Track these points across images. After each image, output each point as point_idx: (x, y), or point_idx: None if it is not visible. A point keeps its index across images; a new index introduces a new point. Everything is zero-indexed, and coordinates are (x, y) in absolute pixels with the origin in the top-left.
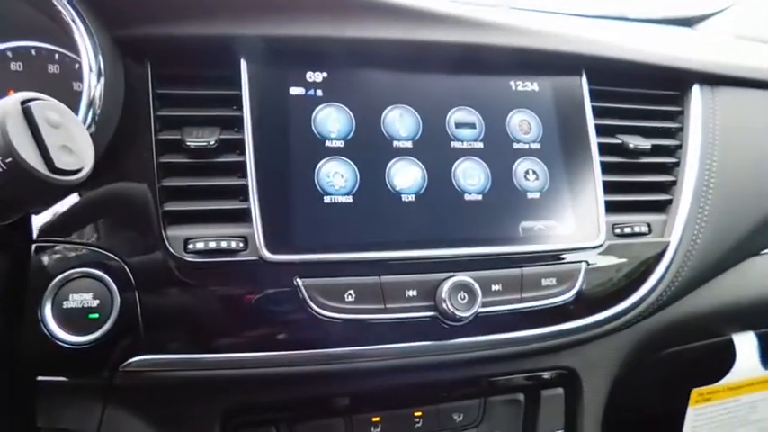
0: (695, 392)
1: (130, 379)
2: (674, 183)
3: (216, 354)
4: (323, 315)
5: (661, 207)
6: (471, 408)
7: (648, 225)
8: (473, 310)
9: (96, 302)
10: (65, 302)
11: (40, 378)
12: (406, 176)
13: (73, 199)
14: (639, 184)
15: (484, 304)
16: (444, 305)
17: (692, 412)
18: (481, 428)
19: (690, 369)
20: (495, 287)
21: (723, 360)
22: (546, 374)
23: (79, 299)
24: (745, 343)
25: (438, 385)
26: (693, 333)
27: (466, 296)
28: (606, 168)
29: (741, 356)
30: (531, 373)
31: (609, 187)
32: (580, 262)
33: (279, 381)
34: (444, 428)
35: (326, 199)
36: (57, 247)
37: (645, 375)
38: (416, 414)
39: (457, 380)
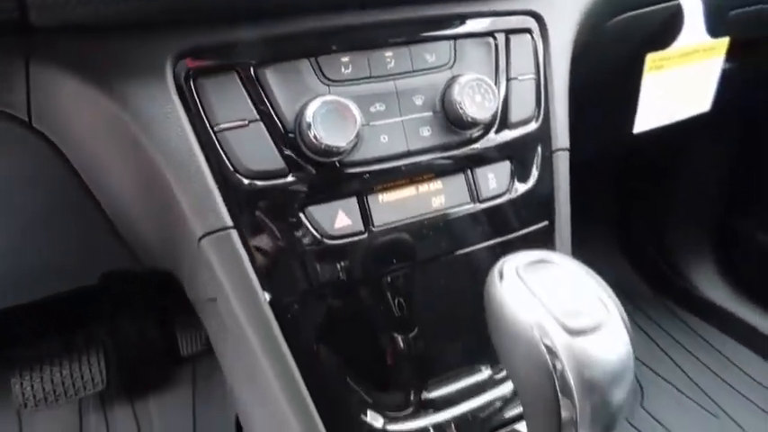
0: (649, 58)
1: (50, 16)
2: None
3: None
4: None
5: None
6: (443, 49)
7: None
8: None
9: None
10: None
11: None
12: None
13: None
14: None
15: None
16: None
17: (647, 78)
18: (455, 69)
19: (643, 35)
20: None
21: (672, 26)
22: (514, 19)
23: None
24: (693, 9)
25: (408, 24)
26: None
27: None
28: None
29: (689, 22)
30: (500, 17)
31: None
32: None
33: (240, 15)
34: (417, 69)
35: None
36: None
37: (604, 37)
38: (387, 54)
39: (427, 18)
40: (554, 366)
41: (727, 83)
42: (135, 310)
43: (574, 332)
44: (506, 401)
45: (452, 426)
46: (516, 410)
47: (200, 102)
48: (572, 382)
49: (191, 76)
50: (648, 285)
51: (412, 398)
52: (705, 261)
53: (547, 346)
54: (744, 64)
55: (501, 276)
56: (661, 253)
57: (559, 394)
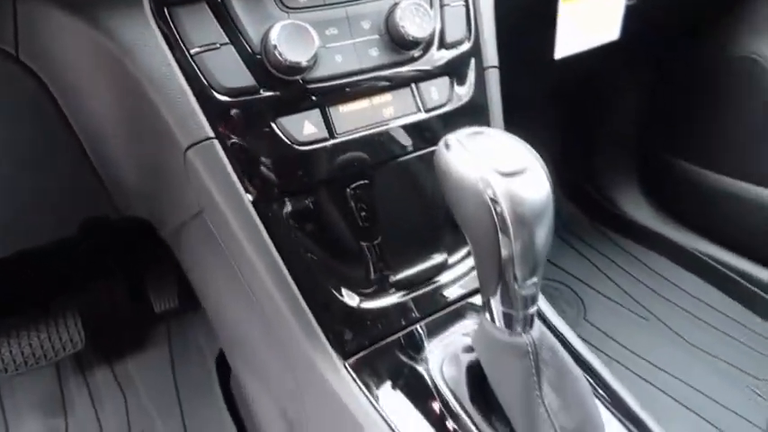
0: None
1: None
2: None
3: None
4: None
5: None
6: None
7: None
8: None
9: None
10: None
11: None
12: None
13: None
14: None
15: None
16: None
17: (563, 7)
18: None
19: None
20: None
21: None
22: None
23: None
24: None
25: None
26: None
27: None
28: None
29: None
30: None
31: None
32: None
33: None
34: None
35: None
36: None
37: None
38: None
39: None
40: (495, 209)
41: (632, 17)
42: (108, 271)
43: (506, 174)
44: (460, 280)
45: (417, 302)
46: (469, 288)
47: (175, 28)
48: (508, 220)
49: (166, 5)
50: (583, 214)
51: (380, 281)
52: (631, 187)
53: (488, 193)
54: (644, 2)
55: (447, 146)
56: (593, 183)
57: (500, 234)
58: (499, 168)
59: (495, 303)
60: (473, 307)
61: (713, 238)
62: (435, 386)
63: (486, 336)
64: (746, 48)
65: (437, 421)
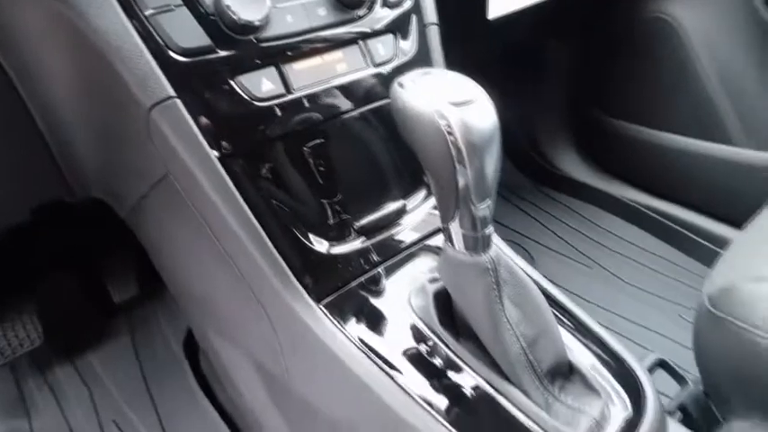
0: None
1: None
2: None
3: None
4: None
5: None
6: None
7: None
8: None
9: None
10: None
11: None
12: None
13: None
14: None
15: None
16: None
17: None
18: None
19: None
20: None
21: None
22: None
23: None
24: None
25: None
26: None
27: None
28: None
29: None
30: None
31: None
32: None
33: None
34: None
35: None
36: None
37: None
38: None
39: None
40: (449, 139)
41: None
42: (64, 261)
43: (458, 104)
44: (418, 224)
45: (382, 245)
46: (427, 230)
47: None
48: (462, 148)
49: None
50: (527, 177)
51: (346, 228)
52: (568, 147)
53: (443, 123)
54: None
55: (401, 85)
56: (534, 147)
57: (456, 163)
58: (451, 100)
59: (455, 227)
60: (431, 248)
61: (642, 186)
62: (405, 316)
63: (449, 260)
64: (656, 8)
65: (410, 346)
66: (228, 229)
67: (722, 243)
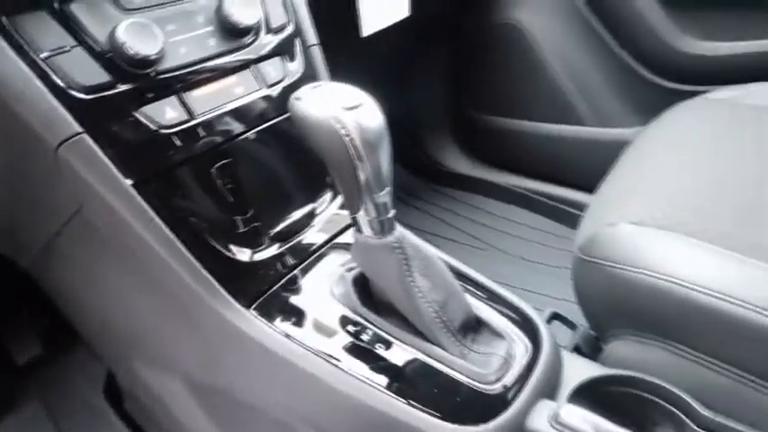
0: None
1: None
2: None
3: None
4: None
5: None
6: None
7: None
8: None
9: None
10: None
11: None
12: None
13: None
14: None
15: None
16: None
17: None
18: None
19: None
20: None
21: None
22: None
23: None
24: None
25: None
26: None
27: None
28: None
29: None
30: None
31: None
32: None
33: None
34: None
35: None
36: None
37: None
38: None
39: None
40: (346, 140)
41: None
42: None
43: (349, 109)
44: (327, 225)
45: (297, 248)
46: (336, 229)
47: (21, 36)
48: (359, 146)
49: (5, 14)
50: (417, 177)
51: (262, 237)
52: (449, 145)
53: (340, 127)
54: None
55: (298, 98)
56: (420, 148)
57: (355, 161)
58: (343, 105)
59: (362, 216)
60: (341, 245)
61: (517, 170)
62: (330, 305)
63: (361, 246)
64: (505, 16)
65: (340, 330)
66: (153, 253)
67: (586, 208)
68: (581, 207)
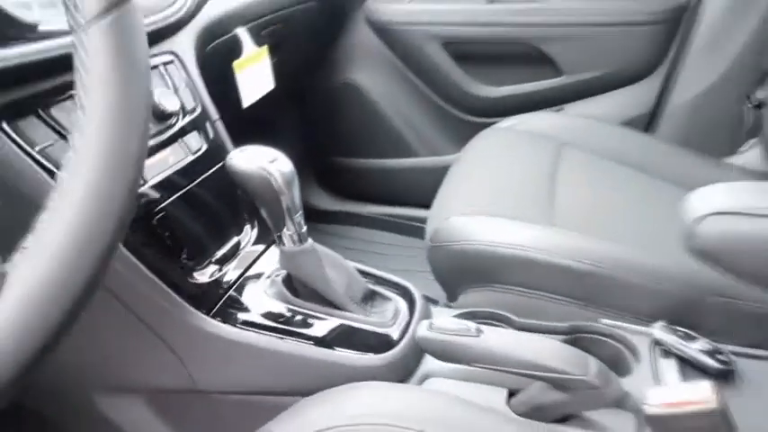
0: (235, 64)
1: None
2: None
3: None
4: None
5: None
6: None
7: None
8: None
9: None
10: None
11: None
12: None
13: None
14: None
15: None
16: None
17: (238, 75)
18: None
19: (228, 51)
20: None
21: (239, 45)
22: (166, 57)
23: None
24: (243, 35)
25: None
26: None
27: None
28: None
29: (245, 42)
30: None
31: None
32: None
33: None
34: None
35: None
36: None
37: (211, 55)
38: None
39: None
40: (272, 181)
41: (278, 70)
42: None
43: (271, 161)
44: (255, 248)
45: (237, 266)
46: (260, 250)
47: (19, 136)
48: (281, 185)
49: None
50: None
51: (210, 260)
52: (315, 187)
53: (267, 174)
54: (278, 61)
55: (231, 159)
56: None
57: (280, 195)
58: (266, 159)
59: (285, 233)
60: (264, 261)
61: (373, 200)
62: (269, 301)
63: (287, 254)
64: (345, 77)
65: (281, 316)
66: (131, 288)
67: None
68: (423, 221)
